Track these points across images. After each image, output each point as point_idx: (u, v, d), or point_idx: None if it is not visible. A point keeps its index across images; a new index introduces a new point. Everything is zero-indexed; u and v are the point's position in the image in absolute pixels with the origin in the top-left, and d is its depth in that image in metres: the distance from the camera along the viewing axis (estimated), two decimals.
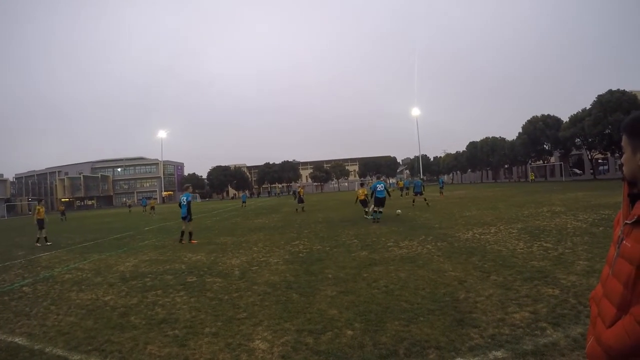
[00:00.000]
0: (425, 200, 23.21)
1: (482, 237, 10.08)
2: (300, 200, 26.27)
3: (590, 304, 1.66)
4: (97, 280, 8.06)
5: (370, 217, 16.62)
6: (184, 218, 12.90)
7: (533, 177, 64.65)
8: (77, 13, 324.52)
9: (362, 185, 20.14)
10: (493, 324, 4.24)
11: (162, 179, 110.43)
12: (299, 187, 29.32)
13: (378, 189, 15.97)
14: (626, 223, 1.43)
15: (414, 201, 24.05)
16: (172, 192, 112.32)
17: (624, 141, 1.47)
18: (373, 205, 16.27)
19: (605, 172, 64.04)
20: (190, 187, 13.76)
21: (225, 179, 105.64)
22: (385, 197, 15.99)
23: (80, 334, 4.86)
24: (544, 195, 24.98)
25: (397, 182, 21.43)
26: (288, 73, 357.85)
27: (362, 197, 18.23)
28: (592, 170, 57.47)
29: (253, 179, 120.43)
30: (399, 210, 18.20)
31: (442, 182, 37.20)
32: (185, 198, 13.01)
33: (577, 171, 70.12)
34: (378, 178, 24.31)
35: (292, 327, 4.46)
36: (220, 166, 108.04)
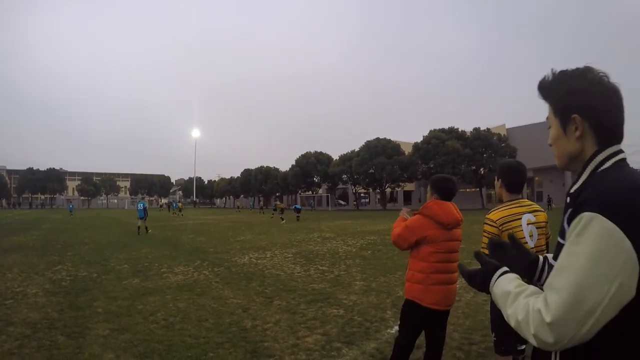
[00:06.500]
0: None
1: (259, 261, 10.48)
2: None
3: None
4: None
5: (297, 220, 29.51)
6: (141, 218, 19.54)
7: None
8: None
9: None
10: (288, 350, 4.29)
11: None
12: (180, 201, 40.06)
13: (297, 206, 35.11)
14: None
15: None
16: None
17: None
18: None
19: (367, 204, 78.87)
20: (146, 196, 20.49)
21: None
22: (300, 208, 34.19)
23: None
24: (313, 222, 27.71)
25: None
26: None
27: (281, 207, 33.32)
28: (355, 202, 70.09)
29: (13, 185, 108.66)
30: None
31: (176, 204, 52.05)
32: (142, 205, 20.00)
33: (342, 202, 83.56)
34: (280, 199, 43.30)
35: None
36: None
